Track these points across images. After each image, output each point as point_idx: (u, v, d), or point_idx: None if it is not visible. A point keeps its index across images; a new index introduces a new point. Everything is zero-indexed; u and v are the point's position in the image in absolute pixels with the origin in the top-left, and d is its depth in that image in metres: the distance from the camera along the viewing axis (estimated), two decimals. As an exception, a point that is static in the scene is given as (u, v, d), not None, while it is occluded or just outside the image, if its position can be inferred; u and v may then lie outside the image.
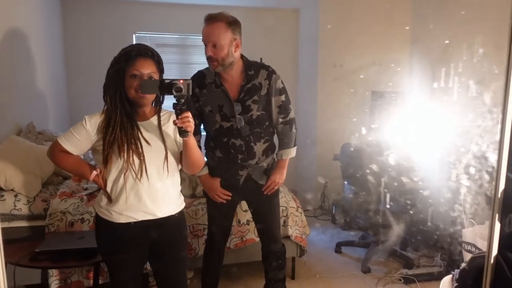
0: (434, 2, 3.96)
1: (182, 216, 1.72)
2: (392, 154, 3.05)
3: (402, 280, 2.82)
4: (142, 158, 1.53)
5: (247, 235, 2.62)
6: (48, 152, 1.60)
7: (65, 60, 4.39)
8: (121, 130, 1.52)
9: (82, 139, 1.55)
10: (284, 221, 2.67)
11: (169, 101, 1.55)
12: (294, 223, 2.72)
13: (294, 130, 2.11)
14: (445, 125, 2.94)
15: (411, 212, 3.05)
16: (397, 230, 3.06)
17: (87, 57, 4.38)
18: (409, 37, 4.32)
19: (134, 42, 4.37)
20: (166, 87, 1.44)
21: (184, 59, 4.70)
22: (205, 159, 2.04)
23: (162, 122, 1.61)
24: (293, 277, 2.85)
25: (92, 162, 1.69)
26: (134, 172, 1.53)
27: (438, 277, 2.70)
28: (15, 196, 2.40)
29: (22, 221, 2.40)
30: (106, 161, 1.52)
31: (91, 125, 1.55)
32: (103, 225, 1.60)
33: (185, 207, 1.74)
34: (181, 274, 1.75)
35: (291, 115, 2.09)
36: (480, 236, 2.45)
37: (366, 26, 4.18)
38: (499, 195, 1.12)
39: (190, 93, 1.45)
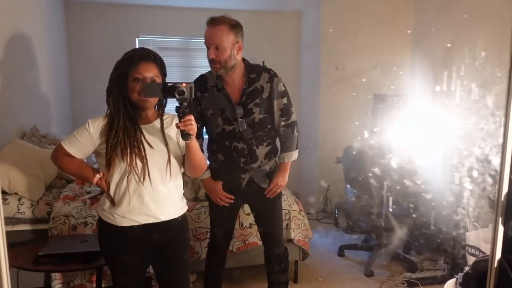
0: (436, 5, 3.96)
1: (185, 219, 1.72)
2: (394, 157, 3.05)
3: (406, 284, 2.81)
4: (145, 161, 1.54)
5: (250, 239, 2.62)
6: (51, 155, 1.61)
7: (69, 63, 4.42)
8: (124, 133, 1.52)
9: (85, 142, 1.56)
10: (287, 225, 2.67)
11: (171, 105, 1.56)
12: (297, 226, 2.72)
13: (296, 133, 2.12)
14: (447, 128, 2.94)
15: (414, 215, 3.04)
16: (400, 233, 3.05)
17: (90, 61, 4.40)
18: (411, 40, 4.32)
19: (137, 46, 4.39)
20: (169, 90, 1.45)
21: (187, 63, 4.72)
22: (208, 162, 2.05)
23: (165, 126, 1.62)
24: (295, 281, 2.85)
25: (95, 166, 1.69)
26: (137, 175, 1.53)
27: (442, 280, 2.70)
28: (19, 199, 2.40)
29: (26, 224, 2.40)
30: (109, 165, 1.53)
31: (94, 128, 1.55)
32: (106, 229, 1.60)
33: (187, 210, 1.74)
34: (184, 278, 1.75)
35: (293, 118, 2.09)
36: (483, 240, 2.44)
37: (368, 29, 4.19)
38: (502, 198, 1.11)
39: (193, 96, 1.46)
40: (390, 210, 3.03)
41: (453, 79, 3.23)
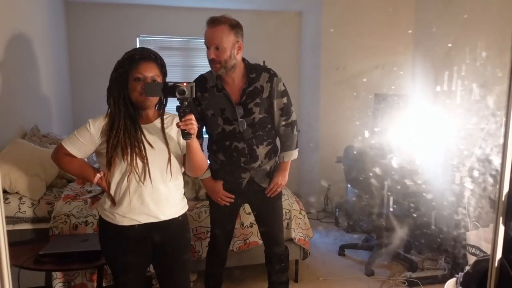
0: (437, 5, 3.96)
1: (186, 218, 1.72)
2: (395, 157, 3.05)
3: (406, 283, 2.81)
4: (145, 161, 1.54)
5: (250, 238, 2.62)
6: (52, 155, 1.61)
7: (69, 63, 4.42)
8: (124, 133, 1.53)
9: (86, 142, 1.56)
10: (288, 224, 2.67)
11: (172, 104, 1.56)
12: (297, 226, 2.72)
13: (295, 132, 2.12)
14: (448, 128, 2.94)
15: (415, 215, 3.04)
16: (400, 233, 3.05)
17: (91, 61, 4.41)
18: (412, 41, 4.32)
19: (137, 46, 4.40)
20: (170, 90, 1.45)
21: (187, 62, 4.73)
22: (208, 162, 2.05)
23: (165, 125, 1.62)
24: (296, 280, 2.85)
25: (96, 165, 1.70)
26: (138, 175, 1.54)
27: (442, 280, 2.70)
28: (20, 199, 2.41)
29: (27, 223, 2.41)
30: (109, 164, 1.53)
31: (95, 128, 1.56)
32: (106, 228, 1.61)
33: (188, 210, 1.75)
34: (185, 277, 1.75)
35: (293, 117, 2.10)
36: (484, 239, 2.44)
37: (369, 29, 4.19)
38: (503, 198, 1.11)
39: (194, 95, 1.47)
40: (391, 209, 3.03)
41: (454, 79, 3.23)
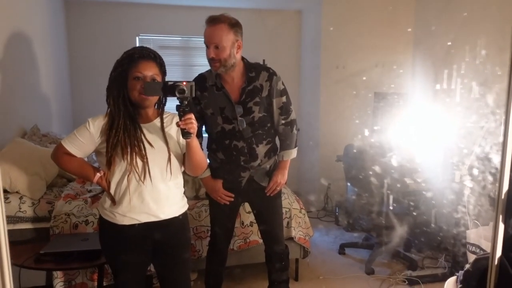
0: (436, 4, 3.96)
1: (186, 217, 1.72)
2: (395, 156, 3.05)
3: (406, 282, 2.81)
4: (145, 160, 1.54)
5: (251, 237, 2.62)
6: (52, 154, 1.61)
7: (69, 63, 4.42)
8: (124, 132, 1.53)
9: (85, 141, 1.56)
10: (288, 223, 2.68)
11: (171, 103, 1.56)
12: (298, 224, 2.72)
13: (295, 131, 2.12)
14: (448, 127, 2.94)
15: (415, 213, 3.05)
16: (400, 231, 3.06)
17: (90, 60, 4.40)
18: (411, 39, 4.32)
19: (137, 45, 4.39)
20: (169, 89, 1.45)
21: (187, 61, 4.73)
22: (208, 161, 2.05)
23: (165, 124, 1.62)
24: (296, 279, 2.85)
25: (96, 164, 1.70)
26: (138, 174, 1.54)
27: (442, 278, 2.70)
28: (20, 198, 2.41)
29: (27, 223, 2.41)
30: (109, 163, 1.53)
31: (95, 127, 1.56)
32: (107, 227, 1.61)
33: (188, 209, 1.75)
34: (185, 276, 1.75)
35: (292, 116, 2.10)
36: (484, 237, 2.44)
37: (369, 28, 4.19)
38: (502, 196, 1.12)
39: (193, 95, 1.47)
40: (391, 208, 3.03)
41: (453, 78, 3.23)
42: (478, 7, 3.29)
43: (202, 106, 1.98)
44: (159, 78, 1.57)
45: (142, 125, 1.59)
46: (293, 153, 2.13)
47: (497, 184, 1.12)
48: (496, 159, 2.45)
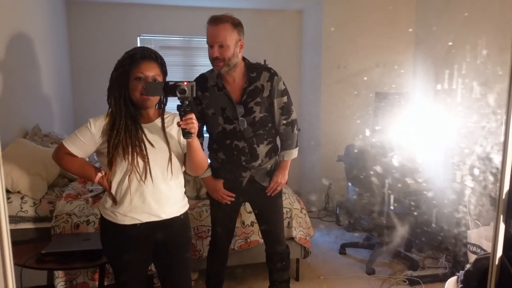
0: (437, 4, 3.96)
1: (187, 217, 1.73)
2: (396, 156, 3.05)
3: (407, 282, 2.81)
4: (146, 160, 1.55)
5: (251, 237, 2.62)
6: (53, 154, 1.62)
7: (70, 63, 4.43)
8: (125, 132, 1.53)
9: (87, 141, 1.56)
10: (288, 223, 2.68)
11: (173, 103, 1.57)
12: (298, 224, 2.72)
13: (296, 131, 2.12)
14: (449, 127, 2.94)
15: (415, 213, 3.04)
16: (401, 231, 3.06)
17: (92, 60, 4.41)
18: (412, 39, 4.31)
19: (138, 45, 4.40)
20: (170, 89, 1.46)
21: (188, 61, 4.73)
22: (208, 161, 2.06)
23: (166, 124, 1.63)
24: (297, 279, 2.85)
25: (97, 164, 1.70)
26: (139, 174, 1.54)
27: (443, 278, 2.70)
28: (22, 198, 2.41)
29: (28, 223, 2.41)
30: (110, 163, 1.53)
31: (96, 127, 1.56)
32: (108, 227, 1.61)
33: (189, 209, 1.75)
34: (186, 276, 1.76)
35: (293, 116, 2.10)
36: (485, 238, 2.44)
37: (370, 28, 4.18)
38: (503, 196, 1.12)
39: (194, 95, 1.47)
40: (392, 208, 3.03)
41: (454, 78, 3.23)
42: (479, 7, 3.29)
43: (203, 106, 1.98)
44: (160, 79, 1.57)
45: (143, 125, 1.59)
46: (294, 153, 2.14)
47: (498, 184, 1.12)
48: (497, 159, 2.45)
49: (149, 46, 1.62)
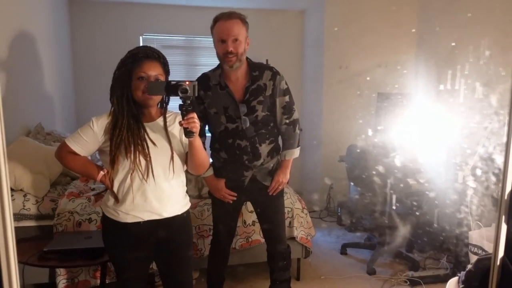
0: (440, 4, 3.95)
1: (188, 216, 1.73)
2: (398, 156, 3.05)
3: (408, 282, 2.81)
4: (148, 158, 1.55)
5: (253, 236, 2.63)
6: (56, 153, 1.62)
7: (73, 62, 4.44)
8: (127, 131, 1.54)
9: (89, 140, 1.57)
10: (290, 222, 2.68)
11: (175, 103, 1.57)
12: (300, 224, 2.73)
13: (297, 130, 2.12)
14: (451, 127, 2.93)
15: (417, 213, 3.04)
16: (403, 231, 3.05)
17: (94, 59, 4.42)
18: (415, 39, 4.31)
19: (141, 44, 4.40)
20: (172, 88, 1.46)
21: (191, 61, 4.73)
22: (210, 160, 2.06)
23: (168, 123, 1.63)
24: (298, 278, 2.86)
25: (99, 163, 1.71)
26: (141, 172, 1.55)
27: (444, 279, 2.69)
28: (24, 196, 2.42)
29: (31, 220, 2.42)
30: (113, 162, 1.54)
31: (98, 126, 1.57)
32: (110, 225, 1.62)
33: (191, 208, 1.76)
34: (187, 274, 1.76)
35: (295, 115, 2.10)
36: (486, 239, 2.44)
37: (372, 28, 4.18)
38: (505, 197, 1.11)
39: (196, 94, 1.47)
40: (393, 208, 3.03)
41: (457, 78, 3.22)
42: (482, 8, 3.28)
43: (206, 105, 1.98)
44: (162, 78, 1.58)
45: (145, 124, 1.59)
46: (296, 152, 2.14)
47: (500, 185, 1.12)
48: (499, 160, 2.45)
49: (151, 46, 1.63)
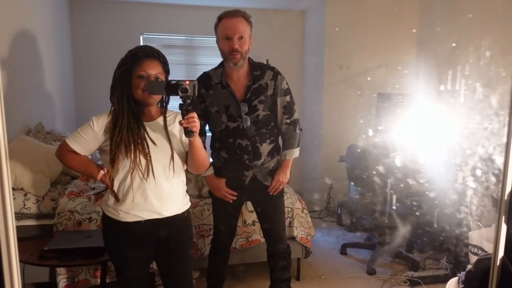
0: (441, 5, 3.95)
1: (188, 215, 1.73)
2: (398, 156, 3.05)
3: (408, 282, 2.81)
4: (148, 158, 1.55)
5: (253, 236, 2.63)
6: (56, 152, 1.62)
7: (73, 61, 4.44)
8: (128, 130, 1.54)
9: (89, 139, 1.57)
10: (290, 222, 2.68)
11: (176, 102, 1.57)
12: (300, 224, 2.73)
13: (298, 130, 2.12)
14: (451, 127, 2.93)
15: (417, 213, 3.04)
16: (402, 231, 3.05)
17: (94, 58, 4.42)
18: (416, 40, 4.31)
19: (141, 43, 4.41)
20: (172, 88, 1.46)
21: (191, 60, 4.73)
22: (211, 159, 2.06)
23: (168, 123, 1.63)
24: (298, 278, 2.86)
25: (100, 162, 1.71)
26: (141, 171, 1.55)
27: (444, 279, 2.69)
28: (25, 195, 2.43)
29: (31, 219, 2.43)
30: (113, 161, 1.54)
31: (99, 125, 1.57)
32: (110, 224, 1.62)
33: (191, 207, 1.76)
34: (187, 273, 1.76)
35: (295, 115, 2.10)
36: (486, 239, 2.44)
37: (373, 28, 4.18)
38: (505, 197, 1.11)
39: (196, 94, 1.47)
40: (393, 208, 3.03)
41: (457, 79, 3.22)
42: (483, 9, 3.28)
43: (207, 104, 1.99)
44: (162, 77, 1.58)
45: (145, 123, 1.59)
46: (296, 152, 2.14)
47: (500, 185, 1.12)
48: (499, 160, 2.45)
49: (152, 45, 1.63)
